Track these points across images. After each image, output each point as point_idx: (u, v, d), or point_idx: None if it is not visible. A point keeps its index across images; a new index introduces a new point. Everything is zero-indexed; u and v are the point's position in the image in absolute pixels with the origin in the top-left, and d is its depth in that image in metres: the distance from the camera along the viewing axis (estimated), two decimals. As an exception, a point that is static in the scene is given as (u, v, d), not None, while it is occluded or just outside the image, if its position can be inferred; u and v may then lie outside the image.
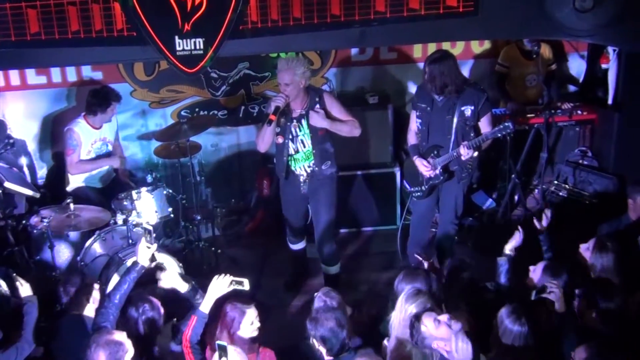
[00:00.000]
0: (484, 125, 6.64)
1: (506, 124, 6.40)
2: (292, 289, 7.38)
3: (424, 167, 6.74)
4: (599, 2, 6.01)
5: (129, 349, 4.59)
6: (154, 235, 5.40)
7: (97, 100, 7.51)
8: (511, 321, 4.66)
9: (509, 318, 4.68)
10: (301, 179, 6.77)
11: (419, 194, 7.00)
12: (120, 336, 4.62)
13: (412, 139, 6.95)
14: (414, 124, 6.89)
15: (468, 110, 6.55)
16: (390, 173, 8.23)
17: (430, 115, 6.68)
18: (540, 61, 7.97)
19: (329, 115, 6.60)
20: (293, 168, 6.74)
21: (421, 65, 8.33)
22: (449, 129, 6.59)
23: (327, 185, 6.77)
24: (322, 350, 4.75)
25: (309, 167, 6.72)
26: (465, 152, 6.46)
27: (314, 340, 4.78)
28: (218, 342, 4.59)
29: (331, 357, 4.74)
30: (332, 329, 4.68)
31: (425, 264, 5.85)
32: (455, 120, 6.55)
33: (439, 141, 6.71)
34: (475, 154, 6.59)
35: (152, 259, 5.34)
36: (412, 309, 4.63)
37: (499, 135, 6.46)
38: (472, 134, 6.60)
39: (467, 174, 6.83)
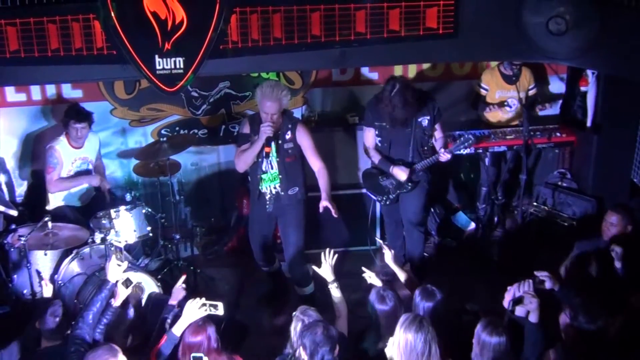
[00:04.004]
0: (437, 130, 7.05)
1: (466, 136, 6.90)
2: (265, 305, 7.39)
3: (403, 173, 6.94)
4: (574, 26, 6.05)
5: None
6: (124, 253, 5.39)
7: (63, 118, 7.50)
8: (487, 334, 4.68)
9: (485, 332, 4.70)
10: (267, 196, 6.80)
11: (387, 202, 7.24)
12: (120, 357, 4.62)
13: (376, 155, 7.12)
14: (371, 140, 7.12)
15: (425, 121, 6.95)
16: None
17: (390, 131, 6.96)
18: (520, 85, 8.01)
19: (296, 145, 6.68)
20: (260, 187, 6.77)
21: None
22: (408, 141, 6.93)
23: (295, 208, 6.81)
24: None
25: (275, 188, 6.76)
26: (446, 158, 6.91)
27: (301, 350, 4.74)
28: (194, 354, 4.74)
29: None
30: (315, 340, 4.65)
31: (388, 251, 6.03)
32: (414, 132, 6.88)
33: (400, 154, 7.02)
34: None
35: (128, 282, 5.34)
36: (411, 336, 4.59)
37: (464, 147, 7.07)
38: (430, 142, 7.01)
39: (429, 176, 7.18)
